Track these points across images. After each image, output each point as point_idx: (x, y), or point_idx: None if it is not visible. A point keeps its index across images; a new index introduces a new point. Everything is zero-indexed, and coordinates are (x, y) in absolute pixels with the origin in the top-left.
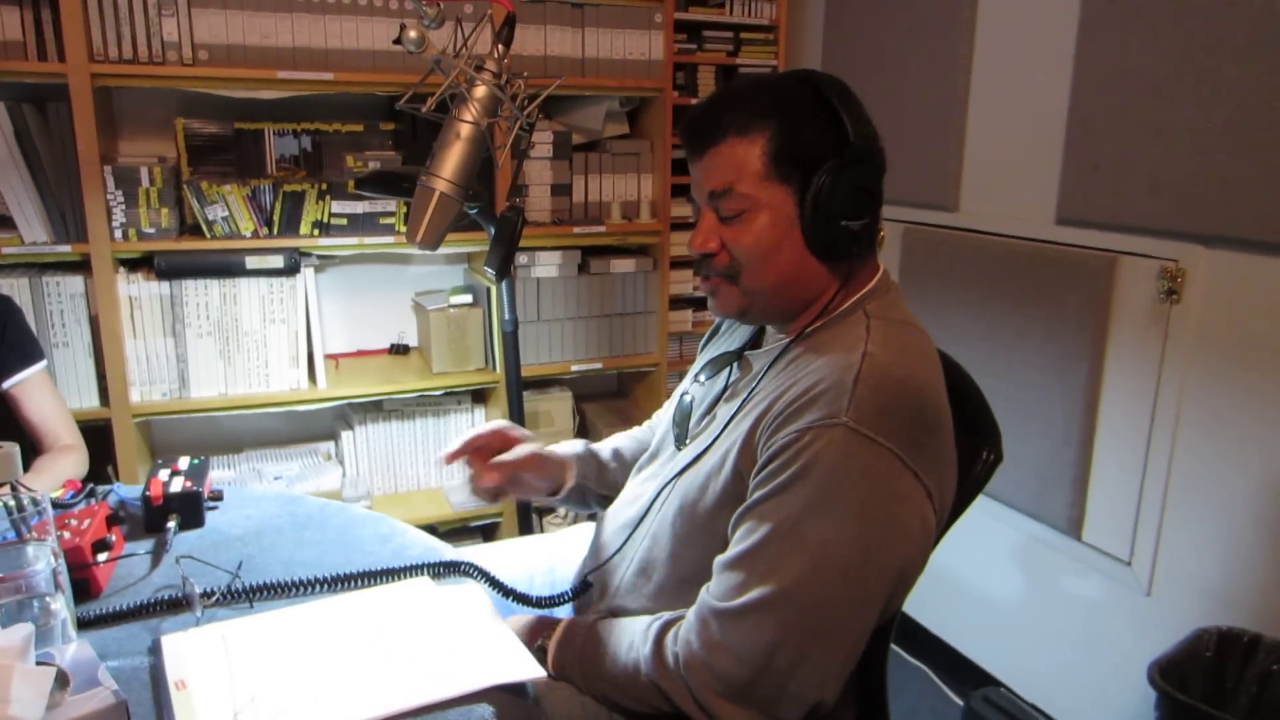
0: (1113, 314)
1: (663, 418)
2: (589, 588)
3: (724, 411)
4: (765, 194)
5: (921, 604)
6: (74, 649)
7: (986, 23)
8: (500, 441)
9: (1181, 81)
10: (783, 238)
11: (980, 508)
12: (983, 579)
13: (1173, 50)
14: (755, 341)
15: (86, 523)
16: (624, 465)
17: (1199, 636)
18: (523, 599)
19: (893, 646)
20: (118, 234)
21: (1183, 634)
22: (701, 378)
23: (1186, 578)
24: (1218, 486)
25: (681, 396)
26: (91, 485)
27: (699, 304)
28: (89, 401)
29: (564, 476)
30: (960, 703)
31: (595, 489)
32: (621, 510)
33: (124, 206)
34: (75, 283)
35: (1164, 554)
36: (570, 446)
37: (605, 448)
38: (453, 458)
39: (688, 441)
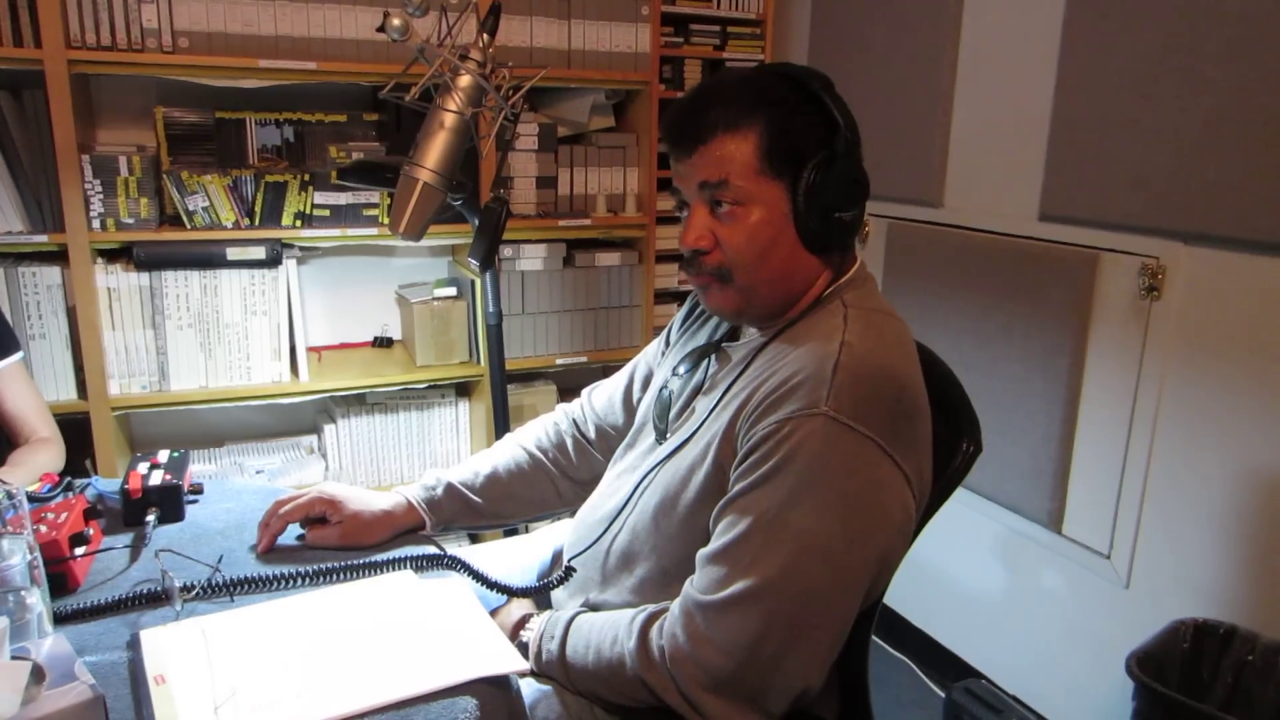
0: (1094, 310)
1: (607, 397)
2: (573, 572)
3: (703, 405)
4: (758, 189)
5: (903, 597)
6: (50, 643)
7: (972, 19)
8: (323, 505)
9: (1163, 80)
10: (778, 233)
11: (962, 501)
12: (964, 572)
13: (1155, 49)
14: (732, 333)
15: (64, 516)
16: (502, 479)
17: (1176, 628)
18: (505, 590)
19: (875, 639)
20: (96, 224)
21: (1160, 626)
22: (680, 370)
23: (1165, 570)
24: (1196, 481)
25: (660, 390)
26: (69, 478)
27: (684, 298)
28: (66, 394)
29: (409, 519)
30: (942, 694)
31: (484, 511)
32: (600, 503)
33: (102, 196)
34: (52, 273)
35: (1143, 547)
36: (414, 490)
37: (468, 472)
38: (267, 548)
39: (668, 435)
